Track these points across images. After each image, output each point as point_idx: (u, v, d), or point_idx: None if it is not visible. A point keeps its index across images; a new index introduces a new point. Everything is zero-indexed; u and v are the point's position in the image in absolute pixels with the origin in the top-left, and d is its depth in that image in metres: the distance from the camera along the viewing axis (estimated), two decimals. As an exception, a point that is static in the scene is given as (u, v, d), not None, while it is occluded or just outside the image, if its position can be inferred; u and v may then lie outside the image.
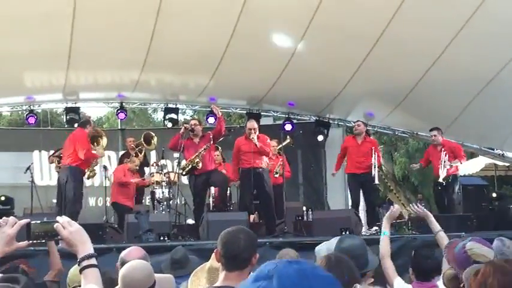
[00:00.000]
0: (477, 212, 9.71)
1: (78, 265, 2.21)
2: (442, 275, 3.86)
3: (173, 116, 13.44)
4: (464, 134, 12.05)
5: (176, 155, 10.45)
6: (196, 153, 9.10)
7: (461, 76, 10.08)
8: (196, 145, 9.25)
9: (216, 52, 10.30)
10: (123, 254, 4.01)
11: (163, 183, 10.49)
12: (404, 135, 14.47)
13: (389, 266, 4.14)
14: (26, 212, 10.52)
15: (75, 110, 13.08)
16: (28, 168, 10.86)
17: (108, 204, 11.72)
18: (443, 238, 4.39)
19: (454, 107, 11.14)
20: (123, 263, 3.62)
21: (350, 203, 10.77)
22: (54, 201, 11.58)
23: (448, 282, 3.63)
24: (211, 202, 10.31)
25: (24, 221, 2.25)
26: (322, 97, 12.39)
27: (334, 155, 10.87)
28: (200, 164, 9.08)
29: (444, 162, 9.90)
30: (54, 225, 2.22)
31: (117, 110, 13.53)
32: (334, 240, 3.76)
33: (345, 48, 9.89)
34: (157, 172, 11.00)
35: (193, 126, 9.26)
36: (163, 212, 10.14)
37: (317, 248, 3.80)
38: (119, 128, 15.65)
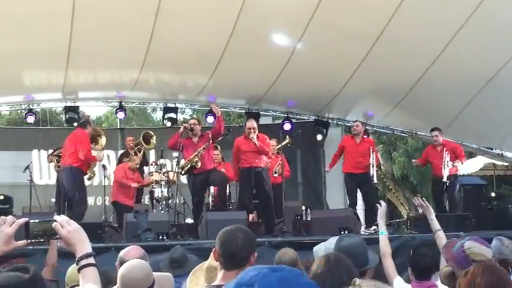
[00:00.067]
0: (476, 212, 9.71)
1: (77, 264, 2.21)
2: (439, 272, 3.86)
3: (172, 115, 13.44)
4: (463, 134, 12.06)
5: (175, 154, 10.46)
6: (195, 153, 9.10)
7: (461, 75, 10.08)
8: (195, 144, 9.25)
9: (215, 51, 10.29)
10: (122, 253, 4.01)
11: (162, 183, 10.50)
12: (403, 134, 14.48)
13: (389, 265, 4.14)
14: (24, 211, 10.51)
15: (75, 109, 13.07)
16: (27, 168, 10.86)
17: (107, 203, 11.73)
18: (441, 237, 4.40)
19: (453, 106, 11.14)
20: (122, 262, 3.61)
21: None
22: (53, 200, 11.59)
23: (445, 279, 3.64)
24: (210, 201, 10.31)
25: (23, 220, 2.25)
26: (322, 96, 12.39)
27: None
28: (199, 163, 9.08)
29: (447, 162, 9.89)
30: (53, 224, 2.22)
31: (116, 109, 13.52)
32: (332, 240, 3.76)
33: (344, 47, 9.89)
34: (156, 171, 10.99)
35: (192, 126, 9.26)
36: (162, 211, 10.14)
37: (315, 248, 3.81)
38: (118, 127, 15.66)
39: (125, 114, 13.83)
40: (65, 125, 13.46)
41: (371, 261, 3.51)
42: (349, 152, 10.08)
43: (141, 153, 11.53)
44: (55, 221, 2.23)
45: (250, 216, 9.80)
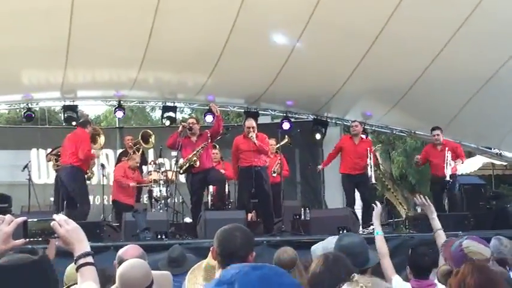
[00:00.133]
0: (475, 211, 9.72)
1: (75, 263, 2.20)
2: (437, 270, 3.86)
3: (171, 114, 13.44)
4: (462, 133, 12.07)
5: (174, 153, 10.46)
6: (194, 152, 9.10)
7: (460, 75, 10.08)
8: (193, 143, 9.25)
9: (214, 49, 10.28)
10: (120, 252, 4.01)
11: (161, 182, 10.49)
12: (402, 134, 14.48)
13: (387, 265, 4.14)
14: (23, 210, 10.52)
15: (73, 108, 13.06)
16: (26, 166, 10.85)
17: (105, 202, 11.72)
18: (441, 237, 4.39)
19: (452, 106, 11.14)
20: (120, 261, 3.61)
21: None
22: (52, 199, 11.58)
23: (442, 278, 3.64)
24: (209, 200, 10.31)
25: (21, 219, 2.24)
26: (321, 95, 12.39)
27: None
28: (198, 163, 9.08)
29: (449, 161, 9.87)
30: (51, 223, 2.22)
31: (115, 108, 13.51)
32: (330, 239, 3.77)
33: (343, 45, 9.89)
34: (155, 170, 10.98)
35: (191, 125, 9.27)
36: (161, 211, 10.14)
37: (313, 248, 3.81)
38: (117, 126, 15.63)
39: (124, 113, 13.81)
40: (64, 124, 13.44)
41: (371, 260, 3.51)
42: (347, 153, 10.06)
43: (140, 152, 11.52)
44: (53, 220, 2.22)
45: (249, 215, 9.81)
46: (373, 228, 8.68)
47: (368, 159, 9.70)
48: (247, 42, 9.95)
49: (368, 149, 9.88)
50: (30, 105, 13.01)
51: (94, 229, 8.08)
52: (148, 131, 11.86)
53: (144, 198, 11.93)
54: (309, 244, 3.92)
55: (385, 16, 9.03)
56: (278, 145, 10.50)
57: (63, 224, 2.22)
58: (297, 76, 10.92)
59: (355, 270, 2.99)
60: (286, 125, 13.26)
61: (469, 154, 14.85)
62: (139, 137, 11.51)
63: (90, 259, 2.21)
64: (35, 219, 2.28)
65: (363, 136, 10.98)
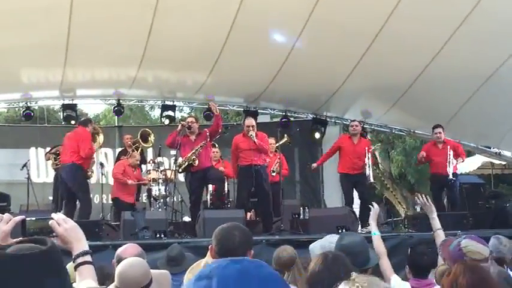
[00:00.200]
0: (474, 211, 9.72)
1: (73, 262, 2.20)
2: (435, 271, 3.86)
3: (170, 113, 13.44)
4: (461, 132, 12.07)
5: (173, 152, 10.47)
6: (193, 151, 9.10)
7: (460, 73, 10.08)
8: (192, 142, 9.24)
9: (214, 47, 10.27)
10: (119, 251, 4.00)
11: (160, 181, 10.49)
12: (401, 133, 14.47)
13: (386, 265, 4.14)
14: (22, 208, 10.51)
15: (72, 107, 13.05)
16: (24, 165, 10.84)
17: (104, 201, 11.71)
18: (441, 236, 4.39)
19: (452, 104, 11.15)
20: (119, 260, 3.61)
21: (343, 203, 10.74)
22: (51, 198, 11.59)
23: (440, 278, 3.64)
24: (208, 199, 10.32)
25: (19, 217, 2.24)
26: (320, 94, 12.40)
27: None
28: (196, 161, 9.08)
29: (451, 159, 9.84)
30: (49, 222, 2.21)
31: (114, 107, 13.51)
32: (328, 237, 3.76)
33: (343, 44, 9.88)
34: (153, 169, 10.98)
35: (190, 124, 9.26)
36: (160, 210, 10.14)
37: (311, 246, 3.80)
38: (116, 125, 15.63)
39: (123, 112, 13.81)
40: (63, 123, 13.44)
41: (372, 260, 3.50)
42: (346, 153, 10.02)
43: (139, 151, 11.51)
44: (52, 218, 2.22)
45: (248, 214, 9.81)
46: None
47: (366, 158, 9.69)
48: (246, 40, 9.95)
49: (366, 148, 9.86)
50: (29, 104, 13.01)
51: (93, 228, 8.08)
52: (148, 130, 11.85)
53: (143, 197, 11.92)
54: (308, 243, 3.91)
55: (385, 14, 9.02)
56: (277, 144, 10.50)
57: (62, 222, 2.22)
58: (296, 75, 10.92)
59: (355, 269, 2.99)
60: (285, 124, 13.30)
61: (469, 153, 14.87)
62: (139, 136, 11.50)
63: (88, 258, 2.21)
64: (34, 218, 2.28)
65: (362, 135, 10.95)
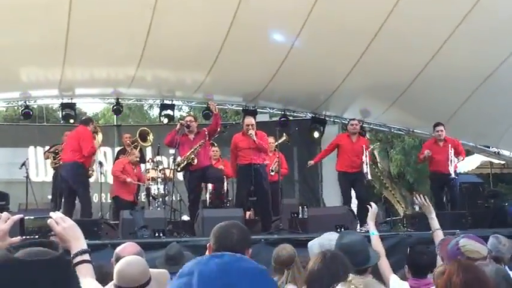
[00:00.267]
0: (472, 210, 9.72)
1: (72, 261, 2.20)
2: (433, 272, 3.86)
3: (169, 112, 13.44)
4: (461, 132, 12.06)
5: (172, 151, 10.44)
6: (192, 150, 9.10)
7: (459, 72, 10.09)
8: (191, 141, 9.23)
9: (213, 46, 10.27)
10: (118, 249, 4.00)
11: (159, 180, 10.48)
12: (400, 132, 14.48)
13: (385, 265, 4.14)
14: (21, 207, 10.50)
15: (71, 106, 13.05)
16: (23, 164, 10.83)
17: (103, 200, 11.70)
18: (439, 236, 4.39)
19: (451, 104, 11.15)
20: (118, 259, 3.60)
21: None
22: (49, 197, 11.58)
23: (438, 279, 3.63)
24: (207, 198, 10.31)
25: (18, 216, 2.24)
26: (319, 93, 12.40)
27: (331, 153, 10.84)
28: (195, 160, 9.07)
29: (452, 158, 9.82)
30: (48, 221, 2.21)
31: (113, 106, 13.50)
32: (326, 235, 3.76)
33: (343, 42, 9.88)
34: (152, 168, 10.96)
35: (188, 123, 9.25)
36: (159, 209, 10.12)
37: (309, 244, 3.80)
38: (115, 124, 15.63)
39: (122, 111, 13.81)
40: (62, 122, 13.44)
41: (372, 259, 3.50)
42: (344, 151, 10.01)
43: (138, 150, 11.50)
44: (50, 217, 2.22)
45: (247, 213, 9.80)
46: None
47: (364, 156, 9.68)
48: (245, 39, 9.95)
49: (364, 146, 9.86)
50: (28, 103, 13.02)
51: (92, 227, 8.08)
52: (146, 129, 11.83)
53: (142, 196, 11.91)
54: (306, 242, 3.91)
55: (385, 12, 9.02)
56: (276, 143, 10.49)
57: (60, 221, 2.21)
58: (295, 74, 10.92)
59: (354, 268, 2.99)
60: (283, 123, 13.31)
61: (467, 152, 14.88)
62: (137, 135, 11.48)
63: (87, 257, 2.21)
64: (32, 217, 2.28)
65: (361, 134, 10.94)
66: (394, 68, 10.45)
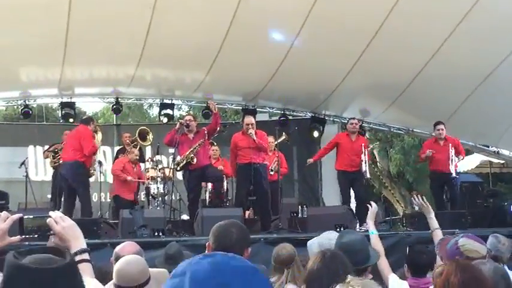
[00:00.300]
0: (472, 209, 9.72)
1: (71, 260, 2.20)
2: (433, 271, 3.86)
3: (169, 111, 13.44)
4: (460, 131, 12.06)
5: (171, 150, 10.44)
6: (191, 149, 9.09)
7: (459, 71, 10.08)
8: (190, 141, 9.23)
9: (212, 45, 10.27)
10: (117, 248, 4.00)
11: (158, 179, 10.47)
12: (399, 131, 14.48)
13: (384, 264, 4.14)
14: (20, 206, 10.50)
15: (71, 105, 13.05)
16: (23, 163, 10.83)
17: (103, 199, 11.70)
18: (439, 236, 4.39)
19: (450, 103, 11.15)
20: (117, 258, 3.61)
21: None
22: (49, 196, 11.58)
23: (437, 278, 3.63)
24: (207, 198, 10.30)
25: (17, 215, 2.24)
26: (319, 92, 12.41)
27: (330, 152, 10.84)
28: (195, 159, 9.07)
29: (453, 157, 9.80)
30: (47, 220, 2.21)
31: (113, 105, 13.50)
32: (325, 234, 3.76)
33: (343, 40, 9.87)
34: (152, 168, 10.96)
35: (188, 122, 9.25)
36: (158, 208, 10.12)
37: (309, 243, 3.79)
38: (114, 123, 15.62)
39: (121, 110, 13.81)
40: (61, 121, 13.43)
41: (372, 258, 3.50)
42: (344, 150, 10.00)
43: (137, 148, 11.50)
44: (49, 217, 2.22)
45: (247, 212, 9.80)
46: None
47: (363, 154, 9.68)
48: (245, 38, 9.94)
49: (363, 144, 9.86)
50: (27, 102, 13.02)
51: (91, 226, 8.07)
52: (146, 128, 11.82)
53: (142, 195, 11.91)
54: (306, 242, 3.91)
55: (385, 11, 9.02)
56: (276, 143, 10.49)
57: (59, 220, 2.21)
58: (295, 73, 10.92)
59: (353, 267, 2.99)
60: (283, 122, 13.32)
61: (467, 152, 14.89)
62: (137, 135, 11.48)
63: (86, 256, 2.21)
64: (31, 216, 2.27)
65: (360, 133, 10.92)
66: (394, 68, 10.45)
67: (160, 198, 10.37)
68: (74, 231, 2.23)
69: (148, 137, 11.52)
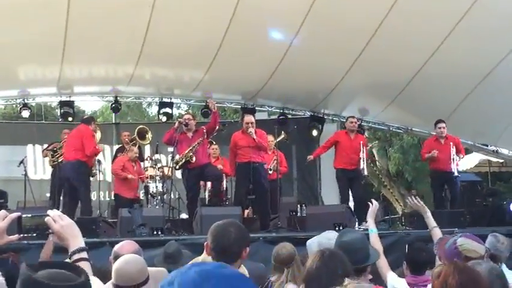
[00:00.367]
0: (471, 208, 9.72)
1: (69, 259, 2.20)
2: (432, 271, 3.86)
3: (168, 110, 13.44)
4: (459, 130, 12.05)
5: (170, 149, 10.44)
6: (190, 148, 9.09)
7: (458, 70, 10.07)
8: (189, 139, 9.23)
9: (211, 44, 10.26)
10: (116, 248, 4.00)
11: (157, 178, 10.47)
12: (399, 130, 14.48)
13: (382, 262, 4.14)
14: (19, 205, 10.50)
15: (70, 104, 13.05)
16: (21, 162, 10.83)
17: (102, 198, 11.69)
18: (437, 234, 4.39)
19: (449, 102, 11.14)
20: (116, 257, 3.60)
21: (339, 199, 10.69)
22: (48, 195, 11.58)
23: (435, 280, 3.63)
24: (206, 196, 10.30)
25: (15, 214, 2.23)
26: (318, 91, 12.40)
27: (329, 151, 10.84)
28: (194, 158, 9.07)
29: (454, 155, 9.79)
30: (45, 219, 2.21)
31: (112, 104, 13.50)
32: (325, 234, 3.75)
33: (342, 39, 9.85)
34: (151, 166, 10.96)
35: (187, 121, 9.24)
36: (157, 207, 10.12)
37: (308, 242, 3.79)
38: (113, 122, 15.62)
39: (120, 109, 13.81)
40: (60, 120, 13.43)
41: (372, 257, 3.50)
42: (343, 148, 10.00)
43: (136, 146, 11.49)
44: (47, 215, 2.21)
45: (246, 211, 9.80)
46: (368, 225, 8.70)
47: (361, 152, 9.69)
48: (245, 37, 9.93)
49: (361, 142, 9.87)
50: (26, 101, 13.02)
51: (90, 225, 8.07)
52: (145, 127, 11.82)
53: (140, 194, 11.91)
54: (305, 240, 3.91)
55: (384, 10, 9.01)
56: (275, 142, 10.49)
57: (58, 219, 2.21)
58: (294, 71, 10.91)
59: (352, 266, 2.99)
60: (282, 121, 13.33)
61: (466, 151, 14.89)
62: (136, 133, 11.47)
63: (84, 254, 2.20)
64: (30, 215, 2.27)
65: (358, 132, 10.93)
66: (393, 66, 10.44)
67: (159, 197, 10.37)
68: (72, 230, 2.22)
69: (147, 136, 11.51)
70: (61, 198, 10.45)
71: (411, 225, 8.88)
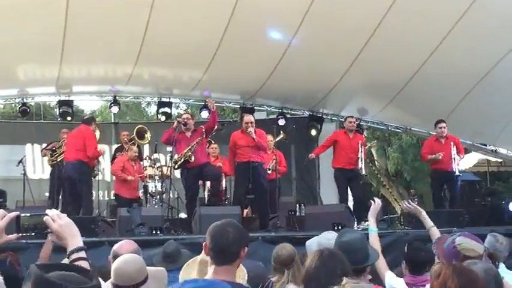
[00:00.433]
0: (469, 208, 9.72)
1: (68, 258, 2.19)
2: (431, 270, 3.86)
3: (167, 109, 13.44)
4: (458, 130, 12.05)
5: (169, 149, 10.44)
6: (189, 147, 9.09)
7: (457, 70, 10.08)
8: (188, 139, 9.23)
9: (210, 44, 10.26)
10: (115, 247, 4.00)
11: (156, 177, 10.47)
12: (397, 130, 14.48)
13: (381, 263, 4.14)
14: (18, 204, 10.50)
15: (68, 103, 13.06)
16: (20, 161, 10.83)
17: (100, 198, 11.69)
18: (435, 234, 4.39)
19: (448, 102, 11.14)
20: (115, 256, 3.60)
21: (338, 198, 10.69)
22: (47, 194, 11.57)
23: (434, 280, 3.63)
24: (206, 196, 10.30)
25: (14, 213, 2.23)
26: (317, 91, 12.40)
27: (328, 150, 10.85)
28: (192, 158, 9.07)
29: (455, 155, 9.78)
30: (44, 218, 2.21)
31: (111, 104, 13.50)
32: (325, 234, 3.75)
33: (341, 39, 9.85)
34: (150, 166, 10.95)
35: (185, 120, 9.24)
36: (156, 206, 10.13)
37: (308, 242, 3.79)
38: (112, 121, 15.62)
39: (119, 109, 13.80)
40: (59, 119, 13.42)
41: (371, 257, 3.50)
42: (342, 147, 10.00)
43: (135, 146, 11.48)
44: (46, 215, 2.21)
45: (245, 211, 9.81)
46: (367, 225, 8.70)
47: (359, 152, 9.69)
48: (243, 36, 9.94)
49: (360, 141, 9.88)
50: (25, 100, 13.02)
51: (89, 224, 8.06)
52: (144, 126, 11.82)
53: (139, 193, 11.91)
54: (304, 240, 3.92)
55: (383, 9, 9.01)
56: (274, 141, 10.49)
57: (56, 218, 2.21)
58: (293, 71, 10.91)
59: (351, 266, 2.99)
60: (281, 121, 13.30)
61: (465, 151, 14.89)
62: (135, 133, 11.47)
63: (83, 254, 2.20)
64: (28, 214, 2.27)
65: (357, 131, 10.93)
66: (392, 66, 10.44)
67: (158, 197, 10.38)
68: (70, 229, 2.22)
69: (146, 136, 11.51)
70: (60, 197, 10.45)
71: (410, 224, 8.88)
